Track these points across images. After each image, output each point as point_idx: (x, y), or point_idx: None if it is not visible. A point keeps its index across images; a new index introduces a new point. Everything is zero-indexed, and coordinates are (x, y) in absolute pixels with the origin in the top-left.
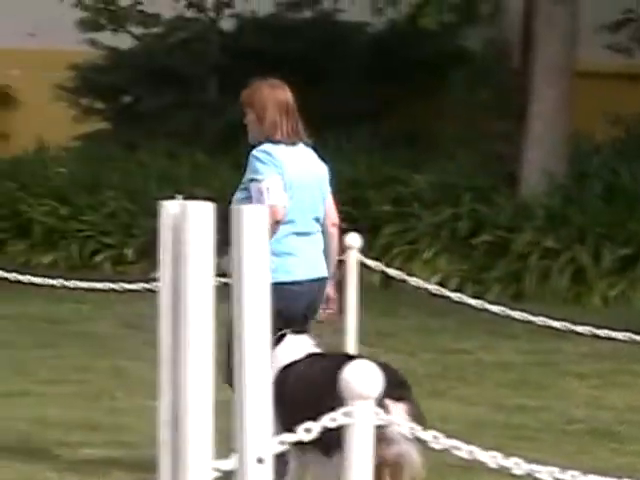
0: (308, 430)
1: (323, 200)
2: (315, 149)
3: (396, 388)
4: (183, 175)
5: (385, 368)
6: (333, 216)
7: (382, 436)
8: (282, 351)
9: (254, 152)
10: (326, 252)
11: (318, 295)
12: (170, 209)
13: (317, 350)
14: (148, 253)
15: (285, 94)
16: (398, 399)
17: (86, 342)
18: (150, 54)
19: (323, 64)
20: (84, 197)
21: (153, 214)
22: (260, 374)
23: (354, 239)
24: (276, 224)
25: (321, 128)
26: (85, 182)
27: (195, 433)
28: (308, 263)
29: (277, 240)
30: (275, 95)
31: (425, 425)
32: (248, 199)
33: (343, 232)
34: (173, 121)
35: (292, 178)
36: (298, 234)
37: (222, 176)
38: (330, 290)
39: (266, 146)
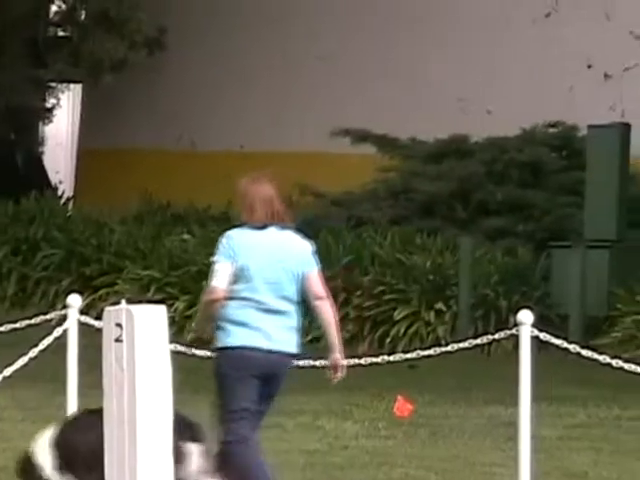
0: None
1: (296, 278)
2: (300, 230)
3: (192, 431)
4: None
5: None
6: (315, 290)
7: None
8: None
9: (222, 236)
10: (322, 325)
11: (275, 367)
12: None
13: None
14: None
15: (260, 186)
16: (196, 441)
17: None
18: None
19: None
20: None
21: None
22: None
23: None
24: (212, 302)
25: None
26: None
27: None
28: (264, 335)
29: (232, 310)
30: (250, 187)
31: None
32: None
33: None
34: None
35: (249, 261)
36: (258, 309)
37: None
38: (337, 357)
39: (231, 231)
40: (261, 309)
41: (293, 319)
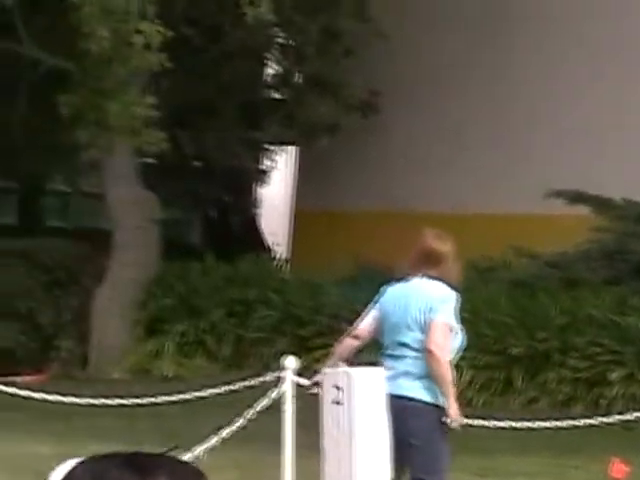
0: None
1: (417, 325)
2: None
3: (196, 477)
4: None
5: (179, 462)
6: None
7: None
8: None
9: None
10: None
11: (399, 412)
12: None
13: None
14: None
15: (423, 242)
16: None
17: None
18: None
19: None
20: None
21: None
22: None
23: None
24: (354, 338)
25: None
26: None
27: None
28: (389, 380)
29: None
30: (419, 241)
31: None
32: None
33: None
34: None
35: (383, 308)
36: (387, 355)
37: None
38: (450, 407)
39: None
40: (387, 354)
41: (411, 365)
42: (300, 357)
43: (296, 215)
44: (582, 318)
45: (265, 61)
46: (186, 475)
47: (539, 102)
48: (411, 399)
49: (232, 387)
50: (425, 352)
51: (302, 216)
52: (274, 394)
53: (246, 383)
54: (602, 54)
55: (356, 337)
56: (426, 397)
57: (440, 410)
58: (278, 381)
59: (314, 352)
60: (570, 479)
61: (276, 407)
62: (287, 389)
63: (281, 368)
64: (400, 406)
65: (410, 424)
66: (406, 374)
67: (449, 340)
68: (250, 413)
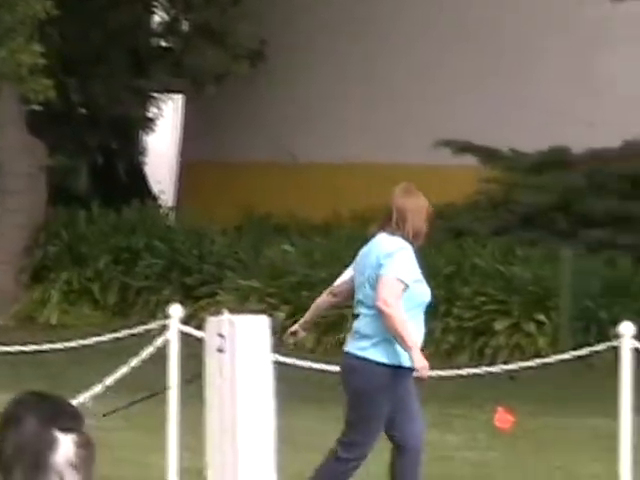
0: None
1: (369, 282)
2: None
3: (65, 419)
4: None
5: (55, 399)
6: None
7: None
8: None
9: None
10: None
11: (345, 370)
12: None
13: None
14: None
15: (393, 199)
16: (67, 430)
17: None
18: None
19: None
20: None
21: None
22: None
23: None
24: (332, 295)
25: None
26: None
27: None
28: (348, 338)
29: None
30: (392, 198)
31: (94, 456)
32: None
33: None
34: None
35: (355, 267)
36: (354, 314)
37: None
38: (414, 361)
39: None
40: (355, 313)
41: (361, 323)
42: (185, 305)
43: (182, 164)
44: (467, 268)
45: (152, 9)
46: (57, 412)
47: (427, 52)
48: (357, 357)
49: (117, 335)
50: (378, 309)
51: (190, 165)
52: (159, 342)
53: (131, 331)
54: None
55: (334, 294)
56: (373, 356)
57: (393, 370)
58: (164, 329)
59: (200, 300)
60: (455, 429)
61: (162, 356)
62: (172, 337)
63: (166, 316)
64: (346, 364)
65: (351, 381)
66: (356, 332)
67: (399, 294)
68: (135, 361)
